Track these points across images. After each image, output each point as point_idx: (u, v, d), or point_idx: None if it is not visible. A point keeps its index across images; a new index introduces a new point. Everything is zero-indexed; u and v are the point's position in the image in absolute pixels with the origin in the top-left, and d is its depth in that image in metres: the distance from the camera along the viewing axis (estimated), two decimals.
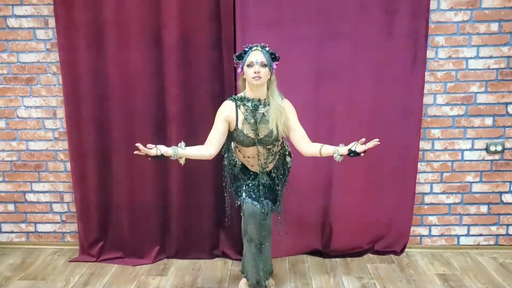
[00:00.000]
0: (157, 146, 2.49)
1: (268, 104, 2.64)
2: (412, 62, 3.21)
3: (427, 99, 3.33)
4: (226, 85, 3.19)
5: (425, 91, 3.29)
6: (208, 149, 2.60)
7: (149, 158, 2.51)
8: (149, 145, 2.46)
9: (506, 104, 3.33)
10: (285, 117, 2.63)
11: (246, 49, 2.62)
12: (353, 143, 2.44)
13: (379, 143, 2.40)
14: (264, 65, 2.55)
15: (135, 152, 2.49)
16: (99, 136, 3.34)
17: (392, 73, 3.23)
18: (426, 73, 3.27)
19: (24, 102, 3.47)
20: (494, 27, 3.23)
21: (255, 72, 2.54)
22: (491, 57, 3.27)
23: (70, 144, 3.36)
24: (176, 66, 3.16)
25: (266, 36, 3.11)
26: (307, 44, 3.17)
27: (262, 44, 2.63)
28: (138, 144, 2.45)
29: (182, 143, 2.55)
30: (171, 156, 2.50)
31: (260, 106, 2.65)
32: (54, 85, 3.43)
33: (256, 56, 2.56)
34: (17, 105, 3.47)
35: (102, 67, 3.24)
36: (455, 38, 3.26)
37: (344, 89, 3.24)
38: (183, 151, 2.53)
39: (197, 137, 3.24)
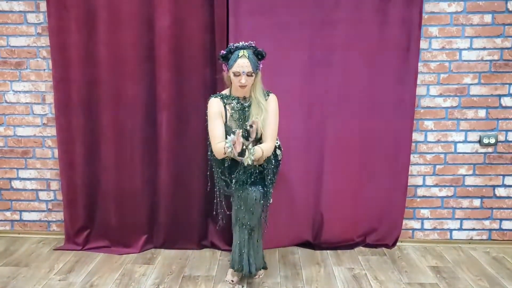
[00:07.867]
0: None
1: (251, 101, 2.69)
2: (406, 52, 3.19)
3: (420, 90, 3.30)
4: (218, 70, 3.16)
5: (418, 82, 3.26)
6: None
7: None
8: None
9: (499, 96, 3.31)
10: (266, 113, 2.67)
11: (232, 49, 2.60)
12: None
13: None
14: (250, 75, 2.58)
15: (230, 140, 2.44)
16: (88, 122, 3.28)
17: (385, 63, 3.21)
18: (419, 64, 3.25)
19: (12, 87, 3.41)
20: (488, 18, 3.22)
21: (240, 81, 2.59)
22: (484, 48, 3.25)
23: (59, 129, 3.30)
24: (168, 50, 3.11)
25: (258, 22, 3.09)
26: (300, 32, 3.14)
27: (248, 43, 2.62)
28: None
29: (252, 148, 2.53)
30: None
31: (246, 105, 2.71)
32: (44, 69, 3.37)
33: (243, 66, 2.57)
34: (6, 89, 3.41)
35: (92, 51, 3.18)
36: (448, 29, 3.25)
37: (337, 79, 3.21)
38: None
39: (188, 123, 3.22)
